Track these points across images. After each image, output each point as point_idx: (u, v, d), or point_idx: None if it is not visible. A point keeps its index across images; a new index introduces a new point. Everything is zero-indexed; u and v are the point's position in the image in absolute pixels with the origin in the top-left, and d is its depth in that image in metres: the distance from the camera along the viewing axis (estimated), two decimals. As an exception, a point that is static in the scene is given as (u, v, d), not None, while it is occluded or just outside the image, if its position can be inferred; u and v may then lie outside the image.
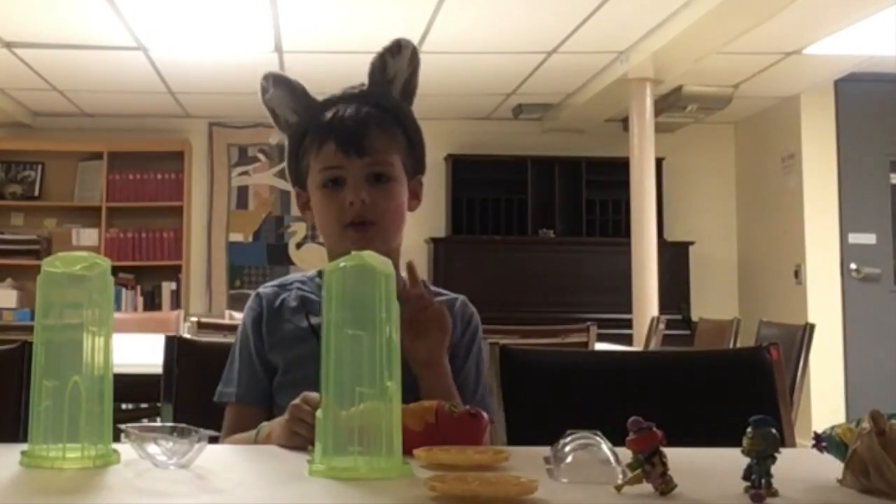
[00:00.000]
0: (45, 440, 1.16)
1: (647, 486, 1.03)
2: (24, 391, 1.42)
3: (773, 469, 1.03)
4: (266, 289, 1.71)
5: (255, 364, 1.65)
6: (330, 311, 1.17)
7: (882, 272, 6.49)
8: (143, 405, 3.57)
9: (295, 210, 7.33)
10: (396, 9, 4.88)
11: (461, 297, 1.72)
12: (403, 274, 1.61)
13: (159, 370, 1.91)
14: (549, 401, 1.75)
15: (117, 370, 1.23)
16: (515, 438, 1.64)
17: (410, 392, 1.33)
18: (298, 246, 7.41)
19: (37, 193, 7.33)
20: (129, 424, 1.21)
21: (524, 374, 1.77)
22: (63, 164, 7.33)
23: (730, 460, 1.11)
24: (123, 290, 7.06)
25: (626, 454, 1.05)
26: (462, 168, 7.31)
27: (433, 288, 1.73)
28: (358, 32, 5.19)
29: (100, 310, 1.19)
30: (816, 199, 6.54)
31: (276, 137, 1.78)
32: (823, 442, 1.15)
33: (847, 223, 6.52)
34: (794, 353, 3.71)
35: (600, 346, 3.56)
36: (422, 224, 7.08)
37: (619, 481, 1.05)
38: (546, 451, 1.13)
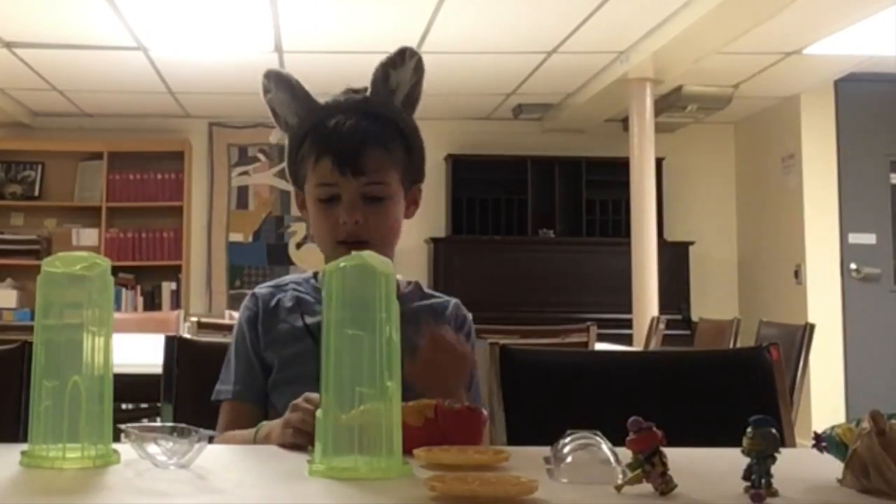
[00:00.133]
0: (45, 440, 1.16)
1: (647, 486, 1.03)
2: (24, 391, 1.42)
3: (773, 469, 1.03)
4: (262, 289, 1.72)
5: (252, 361, 1.65)
6: (330, 310, 1.17)
7: (882, 272, 6.49)
8: (143, 405, 3.57)
9: (295, 210, 7.31)
10: (396, 9, 4.88)
11: (454, 300, 1.73)
12: (398, 276, 1.61)
13: (159, 370, 1.91)
14: (549, 401, 1.75)
15: (117, 370, 1.23)
16: (515, 438, 1.64)
17: (411, 393, 1.33)
18: (298, 246, 7.41)
19: (37, 193, 7.33)
20: (129, 424, 1.21)
21: (524, 374, 1.77)
22: (63, 164, 7.33)
23: (730, 460, 1.11)
24: (123, 290, 7.06)
25: (626, 454, 1.05)
26: (462, 168, 7.31)
27: (426, 290, 1.74)
28: (358, 32, 5.19)
29: (100, 310, 1.19)
30: (816, 199, 6.54)
31: (277, 136, 1.77)
32: (823, 442, 1.15)
33: (847, 223, 6.52)
34: (794, 353, 3.71)
35: (600, 346, 3.57)
36: (422, 224, 7.08)
37: (619, 481, 1.05)
38: (546, 451, 1.13)
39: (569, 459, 1.10)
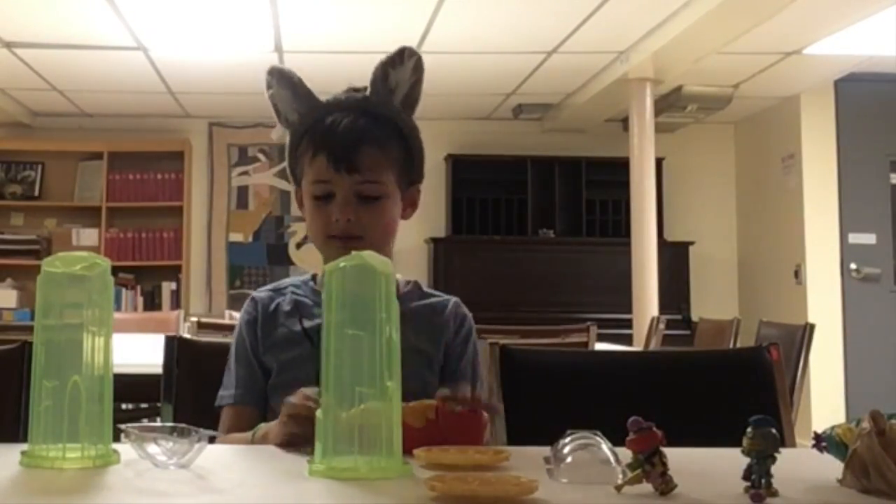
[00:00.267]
0: (45, 440, 1.16)
1: (647, 486, 1.03)
2: (24, 391, 1.42)
3: (773, 469, 1.03)
4: (261, 293, 1.72)
5: (253, 365, 1.65)
6: (330, 311, 1.17)
7: (882, 272, 6.49)
8: (143, 405, 3.57)
9: (295, 210, 7.33)
10: (396, 9, 4.88)
11: (454, 299, 1.72)
12: (398, 276, 1.61)
13: (159, 370, 1.91)
14: (549, 401, 1.75)
15: (117, 370, 1.23)
16: (515, 438, 1.64)
17: (412, 397, 1.33)
18: (298, 246, 7.41)
19: (37, 193, 7.33)
20: (129, 424, 1.21)
21: (524, 374, 1.77)
22: (63, 164, 7.32)
23: (730, 460, 1.11)
24: (123, 290, 7.05)
25: (626, 454, 1.05)
26: (462, 168, 7.31)
27: (426, 289, 1.74)
28: (358, 32, 5.19)
29: (100, 310, 1.19)
30: (816, 199, 6.54)
31: (278, 133, 1.77)
32: (823, 442, 1.15)
33: (847, 223, 6.51)
34: (794, 353, 3.71)
35: (600, 346, 3.56)
36: (422, 224, 7.08)
37: (619, 481, 1.05)
38: (546, 451, 1.13)
39: (569, 459, 1.10)
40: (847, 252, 6.49)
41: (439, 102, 6.72)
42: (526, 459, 1.21)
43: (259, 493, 1.10)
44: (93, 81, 6.32)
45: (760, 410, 1.10)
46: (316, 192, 1.62)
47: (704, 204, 7.58)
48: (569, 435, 1.13)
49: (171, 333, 2.21)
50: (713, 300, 7.22)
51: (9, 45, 5.48)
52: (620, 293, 6.14)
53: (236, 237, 7.47)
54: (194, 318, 3.52)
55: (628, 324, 5.85)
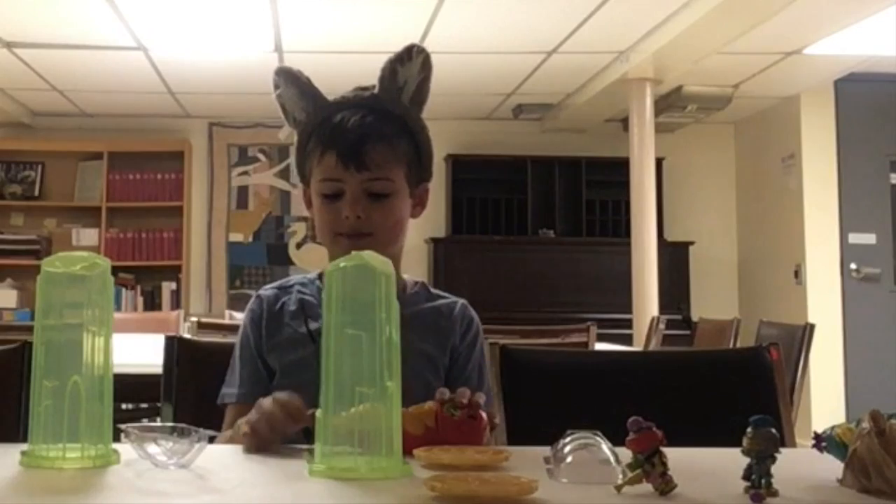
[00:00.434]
0: (45, 440, 1.16)
1: (647, 486, 1.03)
2: (24, 391, 1.41)
3: (773, 469, 1.03)
4: (267, 291, 1.71)
5: (257, 364, 1.65)
6: (330, 311, 1.17)
7: (882, 272, 6.49)
8: (143, 405, 3.56)
9: (295, 210, 7.34)
10: (396, 9, 4.88)
11: (461, 301, 1.72)
12: (405, 276, 1.60)
13: (159, 370, 1.91)
14: (549, 401, 1.75)
15: (117, 370, 1.23)
16: (515, 438, 1.64)
17: (416, 401, 1.33)
18: (298, 246, 7.41)
19: (37, 193, 7.33)
20: (129, 424, 1.21)
21: (524, 374, 1.77)
22: (63, 164, 7.32)
23: (730, 460, 1.11)
24: (123, 290, 7.05)
25: (626, 454, 1.05)
26: (462, 168, 7.30)
27: (434, 290, 1.73)
28: (358, 32, 5.19)
29: (100, 310, 1.19)
30: (816, 199, 6.54)
31: (285, 133, 1.77)
32: (823, 442, 1.15)
33: (847, 223, 6.51)
34: (794, 353, 3.71)
35: (600, 346, 3.56)
36: (422, 224, 7.07)
37: (619, 481, 1.05)
38: (546, 451, 1.13)
39: (569, 459, 1.10)
40: (847, 252, 6.49)
41: (439, 102, 6.69)
42: (526, 459, 1.21)
43: (259, 493, 1.10)
44: (93, 81, 6.32)
45: (760, 410, 1.10)
46: (325, 190, 1.62)
47: (704, 204, 7.58)
48: (569, 435, 1.13)
49: (171, 333, 2.21)
50: (713, 300, 7.22)
51: (9, 45, 5.48)
52: (620, 293, 6.14)
53: (236, 237, 7.47)
54: (194, 318, 3.51)
55: (628, 324, 5.85)
